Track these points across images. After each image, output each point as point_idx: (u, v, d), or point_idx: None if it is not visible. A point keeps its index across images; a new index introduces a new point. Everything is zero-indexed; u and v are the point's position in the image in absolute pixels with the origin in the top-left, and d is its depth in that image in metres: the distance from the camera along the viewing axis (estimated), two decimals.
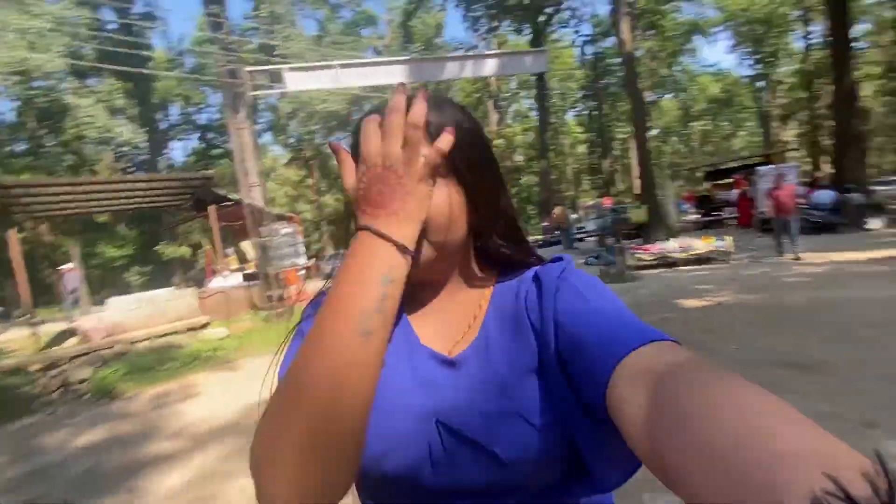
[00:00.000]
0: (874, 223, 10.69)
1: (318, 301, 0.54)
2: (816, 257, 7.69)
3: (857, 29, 27.56)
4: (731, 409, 0.25)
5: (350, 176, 0.44)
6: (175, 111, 30.12)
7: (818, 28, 22.86)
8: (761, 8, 29.17)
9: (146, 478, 3.03)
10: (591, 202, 10.38)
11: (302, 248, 9.86)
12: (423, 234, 0.44)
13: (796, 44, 29.07)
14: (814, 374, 3.06)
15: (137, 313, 7.15)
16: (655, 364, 0.33)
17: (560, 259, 0.52)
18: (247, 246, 9.72)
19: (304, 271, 9.75)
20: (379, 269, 0.40)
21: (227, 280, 9.27)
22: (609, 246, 9.41)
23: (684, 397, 0.28)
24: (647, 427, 0.30)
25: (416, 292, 0.53)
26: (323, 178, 35.94)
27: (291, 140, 32.77)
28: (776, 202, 8.03)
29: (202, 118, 30.90)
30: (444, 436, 0.44)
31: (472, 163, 0.47)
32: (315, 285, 12.20)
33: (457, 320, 0.51)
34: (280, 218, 9.53)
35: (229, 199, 8.65)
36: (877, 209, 11.82)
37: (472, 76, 8.40)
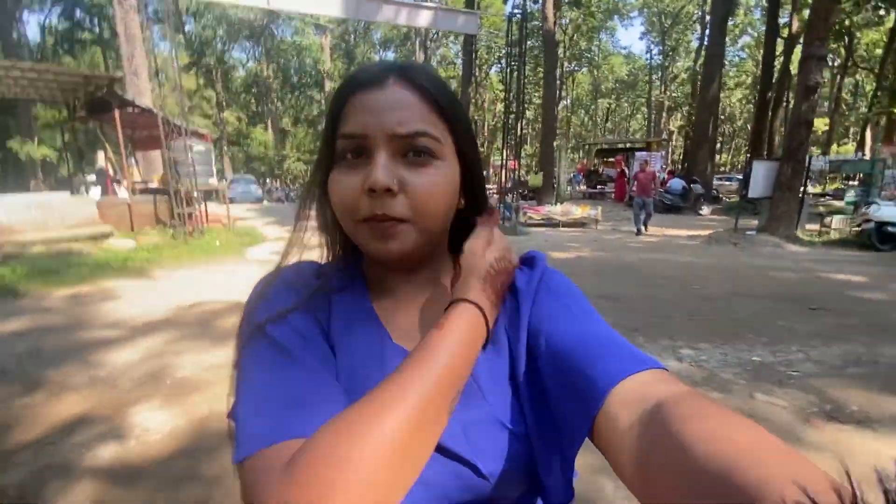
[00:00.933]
0: (705, 210, 13.63)
1: (273, 299, 0.44)
2: (657, 231, 9.89)
3: (742, 41, 31.97)
4: (722, 441, 0.26)
5: (494, 250, 0.46)
6: None
7: None
8: (672, 2, 31.98)
9: (98, 354, 3.29)
10: (498, 163, 11.67)
11: (213, 169, 9.69)
12: (424, 211, 0.42)
13: (695, 43, 32.38)
14: (616, 303, 4.59)
15: (28, 215, 6.76)
16: (649, 393, 0.33)
17: (533, 258, 0.52)
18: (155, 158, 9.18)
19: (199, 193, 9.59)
20: (477, 350, 0.40)
21: (123, 192, 8.87)
22: (507, 203, 10.81)
23: (678, 429, 0.28)
24: (638, 456, 0.30)
25: (385, 278, 0.50)
26: (225, 91, 32.62)
27: (192, 42, 28.82)
28: (638, 183, 9.94)
29: None
30: None
31: (470, 142, 0.47)
32: (214, 208, 11.82)
33: (427, 315, 0.48)
34: (195, 134, 9.18)
35: (136, 106, 8.11)
36: (714, 199, 14.97)
37: (405, 24, 8.72)
